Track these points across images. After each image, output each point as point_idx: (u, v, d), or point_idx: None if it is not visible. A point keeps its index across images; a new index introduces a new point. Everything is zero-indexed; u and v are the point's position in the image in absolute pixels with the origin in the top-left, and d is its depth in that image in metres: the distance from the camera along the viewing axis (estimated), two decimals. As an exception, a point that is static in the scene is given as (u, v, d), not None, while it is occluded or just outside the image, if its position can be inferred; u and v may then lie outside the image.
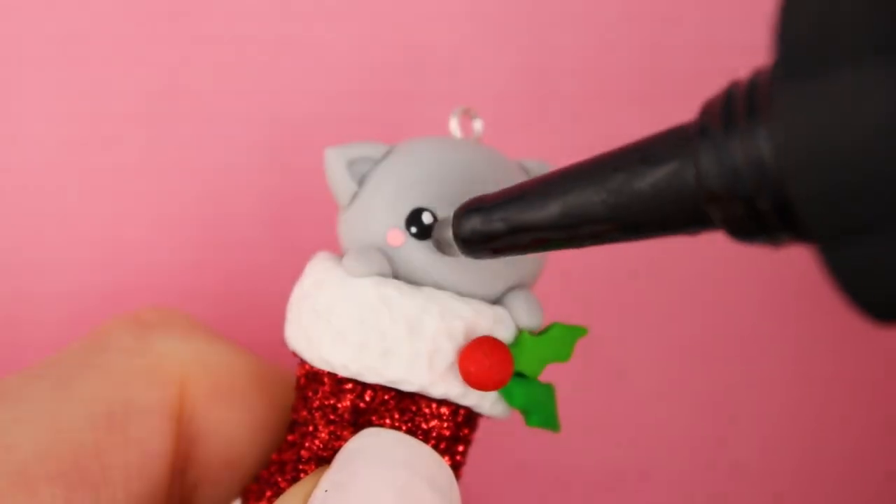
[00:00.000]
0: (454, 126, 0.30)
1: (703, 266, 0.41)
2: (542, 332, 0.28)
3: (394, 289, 0.27)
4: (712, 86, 0.23)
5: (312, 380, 0.28)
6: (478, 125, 0.30)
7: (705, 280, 0.41)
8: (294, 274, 0.30)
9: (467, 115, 0.30)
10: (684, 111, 0.24)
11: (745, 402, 0.42)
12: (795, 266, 0.41)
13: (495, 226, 0.24)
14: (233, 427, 0.30)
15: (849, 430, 0.42)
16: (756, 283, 0.41)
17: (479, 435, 0.35)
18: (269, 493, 0.29)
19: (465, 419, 0.28)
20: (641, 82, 0.42)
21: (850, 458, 0.42)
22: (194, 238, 0.40)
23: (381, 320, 0.27)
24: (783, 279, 0.42)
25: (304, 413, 0.28)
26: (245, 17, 0.41)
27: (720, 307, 0.42)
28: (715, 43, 0.41)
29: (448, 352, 0.27)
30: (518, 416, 0.29)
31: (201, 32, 0.40)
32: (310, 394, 0.28)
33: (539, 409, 0.28)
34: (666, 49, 0.42)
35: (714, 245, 0.40)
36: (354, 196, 0.29)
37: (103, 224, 0.40)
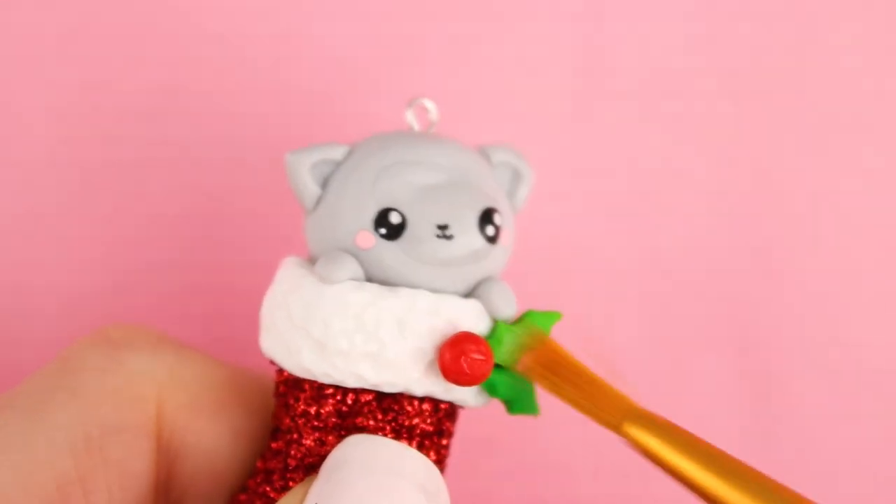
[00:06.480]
0: (410, 118, 0.30)
1: (703, 264, 0.42)
2: (518, 320, 0.28)
3: (370, 292, 0.27)
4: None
5: (293, 387, 0.28)
6: (433, 115, 0.30)
7: (704, 277, 0.42)
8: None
9: (422, 107, 0.30)
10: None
11: (744, 401, 0.42)
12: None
13: None
14: (213, 438, 0.30)
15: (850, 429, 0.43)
16: (755, 281, 0.42)
17: (479, 435, 0.35)
18: (258, 504, 0.28)
19: (447, 413, 0.28)
20: (629, 81, 0.42)
21: (852, 454, 0.42)
22: (193, 236, 0.40)
23: (360, 325, 0.26)
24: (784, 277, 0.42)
25: (287, 421, 0.28)
26: (245, 16, 0.40)
27: (720, 303, 0.42)
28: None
29: (429, 350, 0.27)
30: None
31: (200, 30, 0.40)
32: (291, 401, 0.28)
33: (520, 397, 0.28)
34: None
35: (713, 245, 0.40)
36: (319, 199, 0.28)
37: (102, 221, 0.40)
